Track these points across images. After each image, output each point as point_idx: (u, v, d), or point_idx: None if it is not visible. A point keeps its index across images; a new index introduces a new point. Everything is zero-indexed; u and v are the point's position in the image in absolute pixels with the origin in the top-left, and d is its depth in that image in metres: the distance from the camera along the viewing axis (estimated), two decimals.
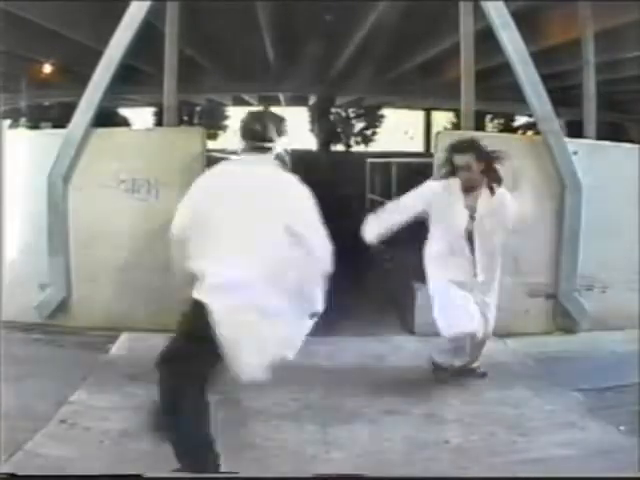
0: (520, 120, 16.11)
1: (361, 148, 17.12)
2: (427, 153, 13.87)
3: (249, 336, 2.34)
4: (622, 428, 3.06)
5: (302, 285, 2.42)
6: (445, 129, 13.64)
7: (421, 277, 3.71)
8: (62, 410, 3.18)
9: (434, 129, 14.93)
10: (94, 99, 4.51)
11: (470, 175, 3.46)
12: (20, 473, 2.35)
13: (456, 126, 13.89)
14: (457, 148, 3.52)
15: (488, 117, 16.22)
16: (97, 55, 4.58)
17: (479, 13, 4.66)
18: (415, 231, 3.67)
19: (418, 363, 3.92)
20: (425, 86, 12.02)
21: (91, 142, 4.53)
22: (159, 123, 10.35)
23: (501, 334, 4.47)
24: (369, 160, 9.09)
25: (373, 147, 17.14)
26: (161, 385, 2.41)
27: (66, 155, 4.50)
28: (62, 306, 4.56)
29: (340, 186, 9.81)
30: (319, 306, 2.49)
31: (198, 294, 2.37)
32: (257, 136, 2.52)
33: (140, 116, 15.15)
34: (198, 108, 16.24)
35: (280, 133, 2.56)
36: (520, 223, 3.58)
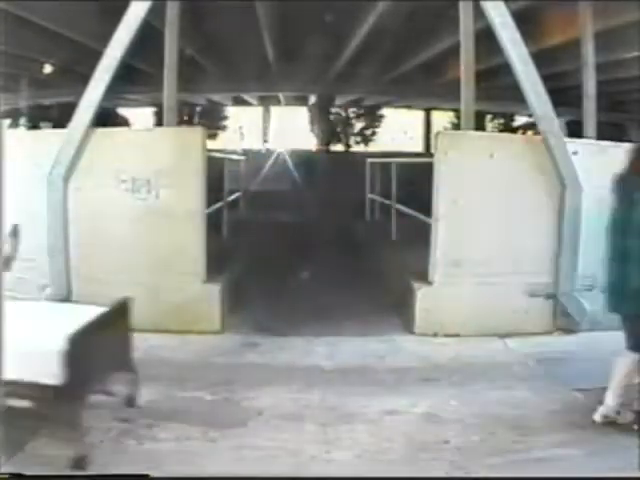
0: (520, 120, 16.12)
1: (361, 148, 17.13)
2: (427, 153, 13.88)
3: None
4: None
5: None
6: (445, 129, 13.65)
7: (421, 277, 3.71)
8: None
9: (434, 129, 14.93)
10: (94, 99, 4.51)
11: None
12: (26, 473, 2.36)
13: (456, 126, 13.90)
14: None
15: (488, 117, 16.24)
16: (97, 55, 4.58)
17: (479, 13, 4.66)
18: None
19: (418, 363, 3.90)
20: (425, 86, 12.03)
21: (91, 142, 4.53)
22: (159, 123, 10.37)
23: (501, 334, 4.49)
24: (369, 160, 9.10)
25: (373, 147, 17.15)
26: None
27: (66, 155, 4.50)
28: None
29: (340, 186, 9.83)
30: None
31: None
32: None
33: (140, 116, 15.16)
34: (198, 108, 16.24)
35: None
36: None
